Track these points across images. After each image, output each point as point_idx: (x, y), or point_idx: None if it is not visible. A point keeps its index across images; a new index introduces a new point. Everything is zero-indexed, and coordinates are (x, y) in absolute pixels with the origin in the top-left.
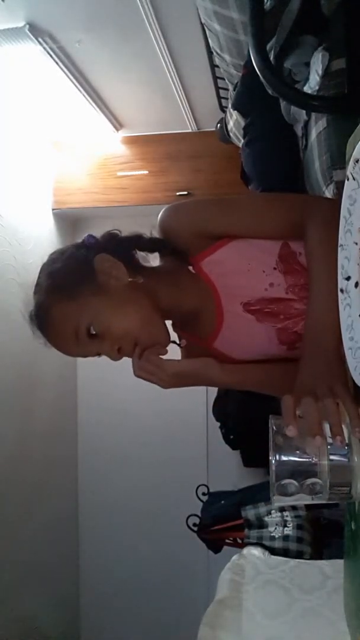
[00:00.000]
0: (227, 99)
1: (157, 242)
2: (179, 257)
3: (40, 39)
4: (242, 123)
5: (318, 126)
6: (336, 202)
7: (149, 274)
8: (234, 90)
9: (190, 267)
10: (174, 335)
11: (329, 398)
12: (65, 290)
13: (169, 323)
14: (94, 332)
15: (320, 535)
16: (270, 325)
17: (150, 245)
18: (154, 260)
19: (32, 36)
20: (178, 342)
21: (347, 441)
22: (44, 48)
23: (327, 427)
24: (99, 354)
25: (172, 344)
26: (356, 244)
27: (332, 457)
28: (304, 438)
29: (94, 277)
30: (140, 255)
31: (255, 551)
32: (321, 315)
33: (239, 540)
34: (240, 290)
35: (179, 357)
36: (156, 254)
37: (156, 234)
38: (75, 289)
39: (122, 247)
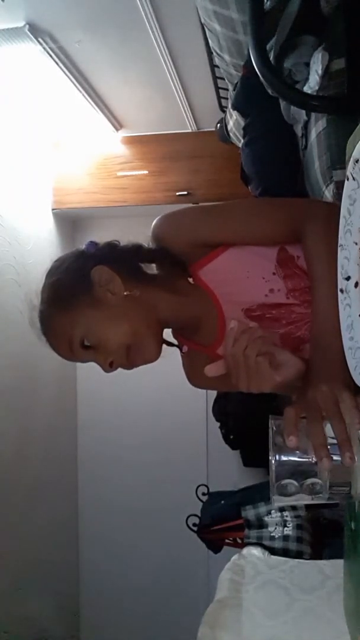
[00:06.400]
0: (227, 99)
1: (157, 252)
2: (178, 266)
3: (40, 39)
4: (242, 123)
5: (318, 126)
6: (334, 205)
7: (148, 285)
8: (234, 90)
9: (190, 278)
10: (175, 341)
11: (334, 405)
12: (62, 302)
13: (169, 330)
14: (88, 344)
15: (320, 535)
16: (273, 331)
17: (149, 255)
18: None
19: (32, 36)
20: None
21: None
22: (44, 48)
23: (327, 427)
24: None
25: (175, 347)
26: (356, 244)
27: (331, 457)
28: (303, 439)
29: (90, 289)
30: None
31: (255, 551)
32: (325, 319)
33: (239, 540)
34: (240, 297)
35: (179, 363)
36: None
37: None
38: (71, 301)
39: (122, 258)
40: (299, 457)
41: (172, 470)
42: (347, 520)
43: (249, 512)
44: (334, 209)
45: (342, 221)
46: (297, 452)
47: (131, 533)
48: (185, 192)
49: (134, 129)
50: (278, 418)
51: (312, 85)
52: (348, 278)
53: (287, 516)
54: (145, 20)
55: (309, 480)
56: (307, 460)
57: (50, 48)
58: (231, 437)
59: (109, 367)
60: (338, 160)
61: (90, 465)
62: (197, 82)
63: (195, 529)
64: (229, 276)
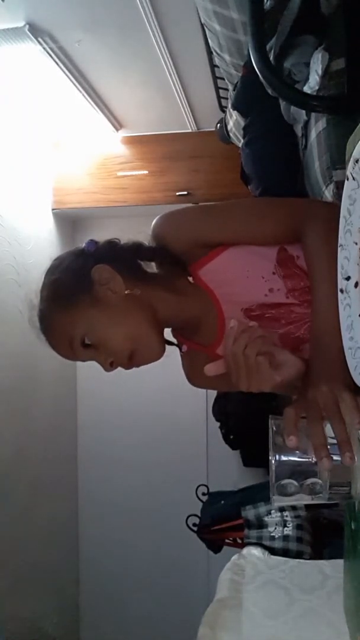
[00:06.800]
0: (227, 99)
1: (157, 251)
2: (178, 266)
3: (40, 39)
4: (242, 123)
5: (318, 126)
6: (334, 205)
7: (148, 284)
8: (234, 90)
9: (189, 277)
10: (175, 340)
11: (334, 405)
12: (62, 301)
13: (169, 330)
14: (89, 343)
15: (320, 535)
16: (273, 330)
17: (149, 254)
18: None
19: (32, 36)
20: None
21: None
22: (44, 48)
23: (327, 427)
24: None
25: (175, 346)
26: (356, 244)
27: (331, 457)
28: (304, 439)
29: (91, 288)
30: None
31: (255, 551)
32: (325, 319)
33: (239, 540)
34: (239, 297)
35: (179, 363)
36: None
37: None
38: (72, 299)
39: (122, 256)
40: (299, 457)
41: (172, 470)
42: (347, 520)
43: (249, 512)
44: (334, 209)
45: (342, 221)
46: (297, 452)
47: (131, 533)
48: (185, 192)
49: (134, 129)
50: (278, 418)
51: (312, 85)
52: (348, 278)
53: (287, 516)
54: (145, 20)
55: (309, 480)
56: (307, 460)
57: (50, 48)
58: (231, 437)
59: (110, 366)
60: (338, 160)
61: (90, 465)
62: (197, 82)
63: (195, 529)
64: (228, 276)
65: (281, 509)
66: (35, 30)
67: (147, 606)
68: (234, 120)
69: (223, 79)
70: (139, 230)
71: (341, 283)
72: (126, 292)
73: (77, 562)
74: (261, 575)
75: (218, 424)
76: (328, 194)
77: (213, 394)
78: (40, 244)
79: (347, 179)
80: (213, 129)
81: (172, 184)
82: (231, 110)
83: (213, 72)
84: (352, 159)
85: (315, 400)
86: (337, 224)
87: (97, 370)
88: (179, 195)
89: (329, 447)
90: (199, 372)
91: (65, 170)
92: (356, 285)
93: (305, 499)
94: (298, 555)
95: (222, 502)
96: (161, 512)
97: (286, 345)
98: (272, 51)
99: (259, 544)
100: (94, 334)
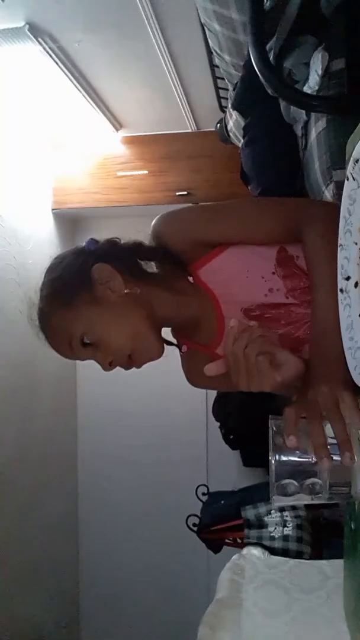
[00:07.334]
0: (227, 99)
1: (157, 250)
2: (178, 265)
3: (40, 39)
4: (242, 123)
5: (318, 126)
6: (334, 205)
7: (148, 283)
8: (234, 90)
9: (189, 277)
10: (174, 340)
11: (335, 405)
12: (62, 299)
13: (169, 330)
14: (88, 342)
15: (320, 535)
16: (272, 331)
17: (149, 253)
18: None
19: (32, 36)
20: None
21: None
22: (44, 48)
23: (327, 427)
24: None
25: (175, 346)
26: (356, 244)
27: (331, 457)
28: (303, 439)
29: (91, 287)
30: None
31: (255, 551)
32: (325, 319)
33: (239, 540)
34: (239, 297)
35: (179, 363)
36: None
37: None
38: (71, 298)
39: (122, 256)
40: (299, 457)
41: (172, 470)
42: (347, 520)
43: (249, 512)
44: (333, 209)
45: (342, 221)
46: (297, 452)
47: (131, 533)
48: (185, 192)
49: (134, 129)
50: (278, 418)
51: (312, 85)
52: (348, 278)
53: (287, 516)
54: (145, 20)
55: (309, 480)
56: (307, 460)
57: (50, 48)
58: (231, 437)
59: (109, 365)
60: (338, 160)
61: (90, 465)
62: (197, 82)
63: (195, 529)
64: (228, 276)
65: (281, 509)
66: (35, 30)
67: (147, 606)
68: (234, 120)
69: (223, 79)
70: (139, 230)
71: (341, 283)
72: (126, 291)
73: (77, 562)
74: (261, 575)
75: (218, 424)
76: (328, 194)
77: (213, 394)
78: (40, 244)
79: (347, 179)
80: (213, 129)
81: (172, 184)
82: (231, 110)
83: (213, 72)
84: (352, 159)
85: (315, 400)
86: (337, 224)
87: (97, 370)
88: (179, 195)
89: (329, 447)
90: (199, 372)
91: (65, 170)
92: (356, 285)
93: (305, 499)
94: (298, 555)
95: (222, 502)
96: (161, 512)
97: (286, 345)
98: (272, 51)
99: (259, 544)
100: (93, 333)
